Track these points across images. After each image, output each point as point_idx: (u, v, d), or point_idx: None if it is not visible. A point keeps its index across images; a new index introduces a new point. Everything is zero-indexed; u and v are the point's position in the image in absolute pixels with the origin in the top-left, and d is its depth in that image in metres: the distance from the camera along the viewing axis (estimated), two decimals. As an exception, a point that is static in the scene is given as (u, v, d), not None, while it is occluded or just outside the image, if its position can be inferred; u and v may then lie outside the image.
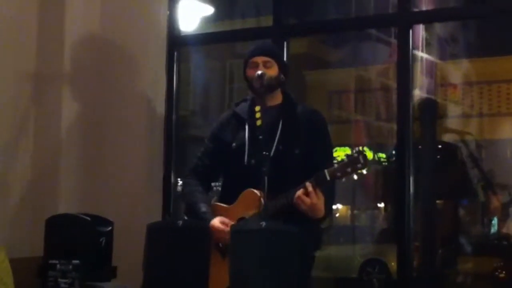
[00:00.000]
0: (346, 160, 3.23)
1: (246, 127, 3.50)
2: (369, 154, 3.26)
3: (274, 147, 3.40)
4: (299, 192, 3.23)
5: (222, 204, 3.51)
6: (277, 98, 3.53)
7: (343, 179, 3.26)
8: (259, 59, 3.48)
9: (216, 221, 3.41)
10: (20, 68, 4.78)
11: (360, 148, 3.26)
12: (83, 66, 4.92)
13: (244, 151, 3.45)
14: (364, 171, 3.23)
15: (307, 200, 3.22)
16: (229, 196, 3.48)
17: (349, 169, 3.22)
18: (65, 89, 4.86)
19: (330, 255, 11.38)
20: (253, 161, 3.41)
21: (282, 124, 3.46)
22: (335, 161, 3.28)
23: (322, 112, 3.66)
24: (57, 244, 4.16)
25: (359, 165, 3.21)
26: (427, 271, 9.35)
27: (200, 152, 3.66)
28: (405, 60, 4.39)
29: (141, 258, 3.38)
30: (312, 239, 3.45)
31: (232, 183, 3.52)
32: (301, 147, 3.42)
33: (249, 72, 3.50)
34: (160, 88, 5.00)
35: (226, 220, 3.39)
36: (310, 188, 3.22)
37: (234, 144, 3.50)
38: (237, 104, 3.65)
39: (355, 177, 3.25)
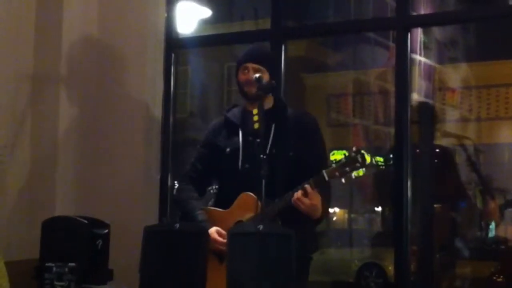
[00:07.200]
0: (344, 160, 3.23)
1: (240, 132, 3.50)
2: (367, 156, 3.26)
3: (268, 150, 3.39)
4: (298, 193, 3.24)
5: (218, 209, 3.50)
6: (268, 103, 3.53)
7: (342, 180, 3.26)
8: (250, 65, 3.48)
9: (212, 231, 3.40)
10: (18, 70, 4.76)
11: (355, 148, 3.26)
12: (80, 68, 4.91)
13: (238, 156, 3.46)
14: (363, 171, 3.24)
15: (306, 201, 3.23)
16: (224, 200, 3.49)
17: (347, 169, 3.23)
18: (62, 92, 4.84)
19: (327, 259, 11.36)
20: (247, 165, 3.42)
21: (274, 128, 3.45)
22: (333, 163, 3.28)
23: (320, 115, 3.67)
24: (53, 246, 4.13)
25: (357, 165, 3.23)
26: (424, 275, 9.33)
27: (193, 158, 3.66)
28: (403, 63, 4.38)
29: (137, 261, 3.37)
30: (308, 241, 3.45)
31: (227, 188, 3.53)
32: (294, 149, 3.42)
33: (241, 76, 3.51)
34: (158, 90, 4.99)
35: (223, 232, 3.39)
36: (309, 190, 3.23)
37: (228, 150, 3.50)
38: (228, 110, 3.65)
39: (353, 176, 3.25)
